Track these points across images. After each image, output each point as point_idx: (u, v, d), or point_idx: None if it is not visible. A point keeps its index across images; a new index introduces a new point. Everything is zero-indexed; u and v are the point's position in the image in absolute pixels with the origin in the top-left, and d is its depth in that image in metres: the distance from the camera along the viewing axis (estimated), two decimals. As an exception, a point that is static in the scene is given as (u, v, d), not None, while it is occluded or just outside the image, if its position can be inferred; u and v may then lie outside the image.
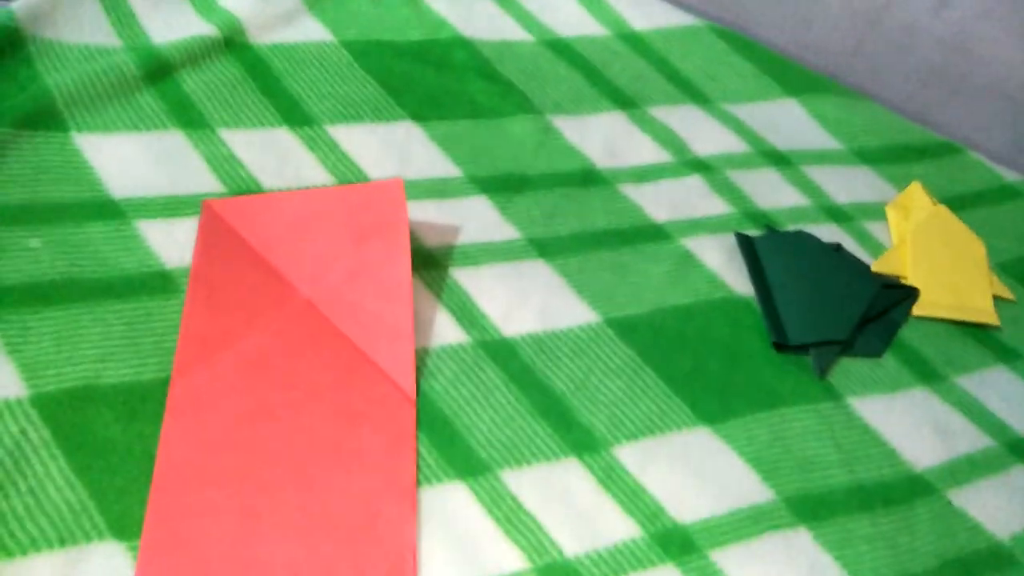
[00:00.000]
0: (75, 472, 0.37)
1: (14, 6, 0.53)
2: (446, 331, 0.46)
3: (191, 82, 0.54)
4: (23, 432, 0.37)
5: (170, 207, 0.47)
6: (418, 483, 0.40)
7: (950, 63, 0.71)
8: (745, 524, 0.43)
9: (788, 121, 0.67)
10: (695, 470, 0.44)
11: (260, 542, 0.36)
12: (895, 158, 0.68)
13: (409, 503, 0.39)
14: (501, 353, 0.46)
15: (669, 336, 0.50)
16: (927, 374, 0.53)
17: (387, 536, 0.37)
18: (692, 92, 0.66)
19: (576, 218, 0.55)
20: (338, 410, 0.41)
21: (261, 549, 0.36)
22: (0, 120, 0.48)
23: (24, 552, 0.34)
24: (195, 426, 0.39)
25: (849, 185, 0.64)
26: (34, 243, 0.44)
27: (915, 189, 0.63)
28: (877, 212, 0.62)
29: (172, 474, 0.37)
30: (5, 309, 0.41)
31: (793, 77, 0.71)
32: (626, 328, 0.49)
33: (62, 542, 0.35)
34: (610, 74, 0.65)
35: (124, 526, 0.36)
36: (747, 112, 0.66)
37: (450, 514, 0.40)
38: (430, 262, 0.49)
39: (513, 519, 0.40)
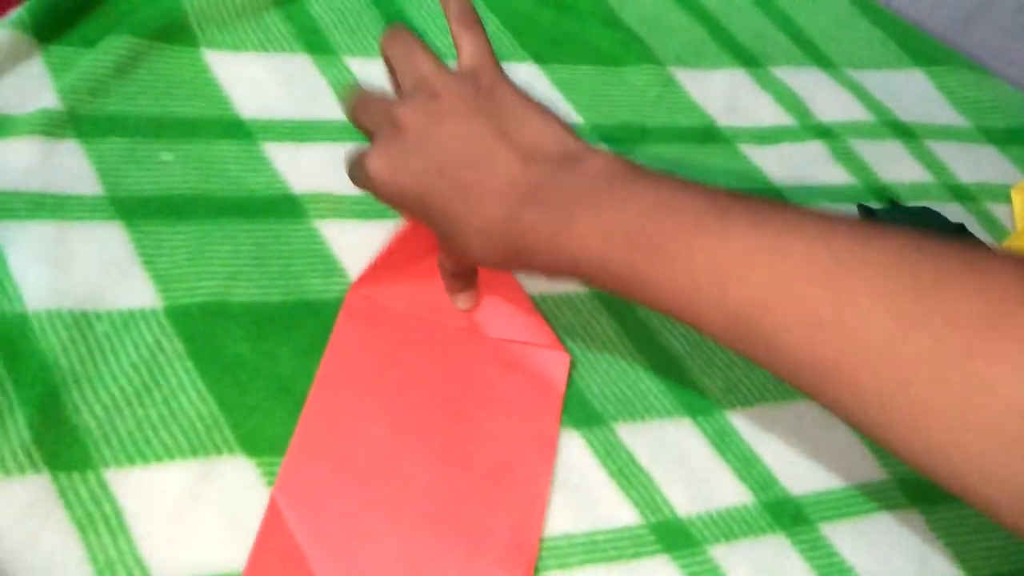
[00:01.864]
0: (207, 386, 0.37)
1: (145, -84, 0.52)
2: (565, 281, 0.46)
3: (318, 6, 0.53)
4: (157, 342, 0.38)
5: (297, 132, 0.47)
6: (535, 428, 0.40)
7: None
8: (857, 501, 0.42)
9: (913, 92, 0.64)
10: (809, 443, 0.43)
11: (404, 463, 0.37)
12: (1021, 139, 0.65)
13: (549, 454, 0.39)
14: (616, 306, 0.46)
15: (787, 304, 0.48)
16: (1046, 367, 0.51)
17: (522, 481, 0.38)
18: (816, 54, 0.64)
19: (696, 175, 0.53)
20: (492, 354, 0.41)
21: (403, 468, 0.37)
22: (135, 30, 0.47)
23: (159, 459, 0.35)
24: (352, 362, 0.39)
25: (974, 164, 0.61)
26: (167, 156, 0.44)
27: (1043, 174, 0.61)
28: (1002, 194, 0.60)
29: (327, 393, 0.38)
30: (141, 220, 0.41)
31: (920, 46, 0.68)
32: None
33: (194, 452, 0.36)
34: (733, 29, 0.63)
35: (254, 442, 0.36)
36: (872, 80, 0.64)
37: (564, 463, 0.39)
38: (548, 208, 0.49)
39: (627, 473, 0.40)
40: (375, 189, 0.37)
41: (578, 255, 0.33)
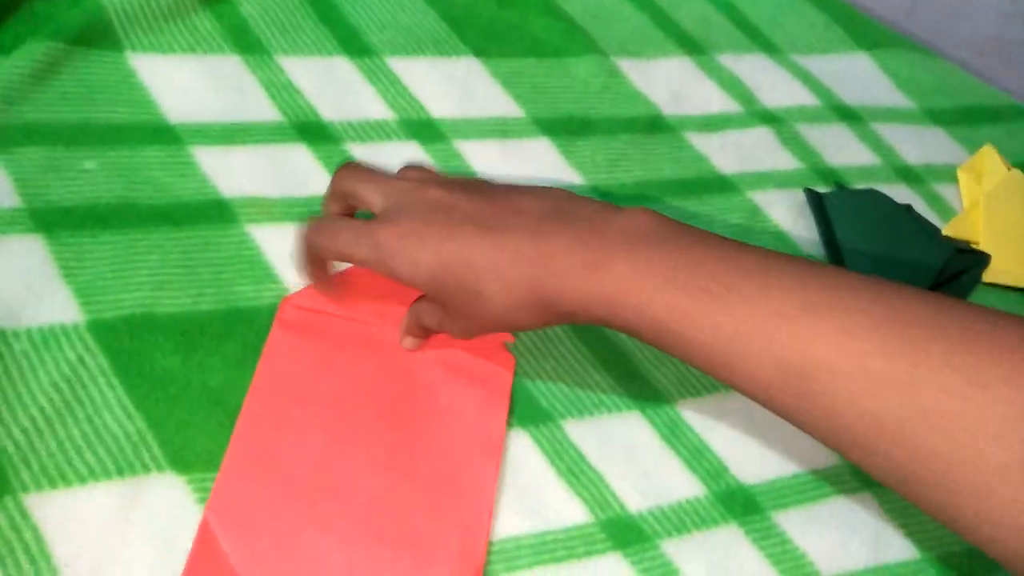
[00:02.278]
0: (133, 402, 0.36)
1: (65, -83, 0.50)
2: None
3: (248, 6, 0.52)
4: (80, 359, 0.36)
5: (227, 134, 0.45)
6: (480, 430, 0.39)
7: (1006, 32, 0.68)
8: (809, 487, 0.42)
9: (859, 76, 0.64)
10: (759, 431, 0.43)
11: (343, 475, 0.36)
12: (967, 119, 0.65)
13: (495, 458, 0.38)
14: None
15: (735, 292, 0.48)
16: (996, 344, 0.51)
17: (469, 487, 0.36)
18: (760, 40, 0.64)
19: (641, 166, 0.53)
20: (435, 359, 0.40)
21: (343, 481, 0.35)
22: (54, 35, 0.46)
23: (83, 481, 0.33)
24: (287, 371, 0.38)
25: (920, 145, 0.61)
26: (90, 165, 0.42)
27: (988, 152, 0.61)
28: (948, 174, 0.60)
29: (260, 405, 0.36)
30: (62, 231, 0.39)
31: (865, 30, 0.68)
32: (691, 282, 0.47)
33: (120, 472, 0.34)
34: (677, 16, 0.63)
35: (183, 458, 0.35)
36: (817, 64, 0.63)
37: (512, 462, 0.39)
38: (491, 204, 0.48)
39: (576, 470, 0.39)
40: (383, 261, 0.34)
41: (612, 295, 0.31)
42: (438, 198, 0.34)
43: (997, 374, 0.27)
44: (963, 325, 0.29)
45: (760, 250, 0.33)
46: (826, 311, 0.29)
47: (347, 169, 0.38)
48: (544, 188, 0.36)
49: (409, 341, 0.39)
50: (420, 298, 0.38)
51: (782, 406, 0.31)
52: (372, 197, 0.36)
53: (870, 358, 0.28)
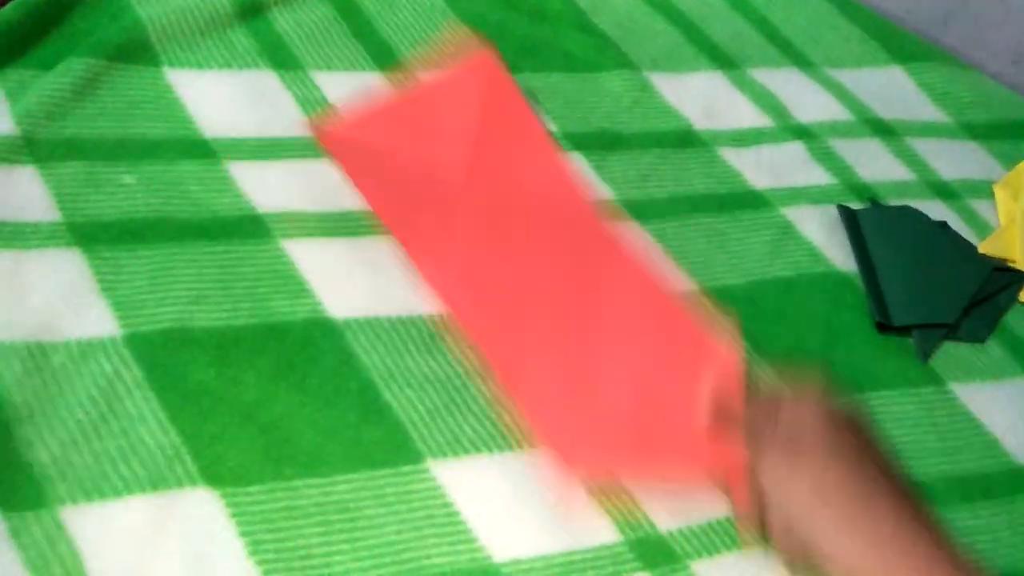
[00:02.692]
0: (168, 415, 0.36)
1: (105, -66, 0.51)
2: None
3: (283, 21, 0.52)
4: (116, 372, 0.37)
5: (262, 150, 0.46)
6: (510, 448, 0.39)
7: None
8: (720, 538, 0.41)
9: (893, 89, 0.63)
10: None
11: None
12: (1003, 134, 0.64)
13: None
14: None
15: (767, 310, 0.47)
16: (1034, 364, 0.50)
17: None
18: (793, 54, 0.63)
19: (672, 181, 0.52)
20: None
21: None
22: (93, 52, 0.46)
23: (117, 494, 0.34)
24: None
25: (956, 160, 0.60)
26: (128, 179, 0.43)
27: (1025, 168, 0.60)
28: (984, 190, 0.59)
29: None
30: (100, 245, 0.40)
31: (899, 43, 0.67)
32: (723, 299, 0.47)
33: (154, 486, 0.34)
34: (709, 31, 0.62)
35: (216, 473, 0.35)
36: (851, 78, 0.63)
37: (542, 482, 0.38)
38: (522, 219, 0.48)
39: (607, 490, 0.39)
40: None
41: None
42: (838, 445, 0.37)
43: None
44: None
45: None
46: None
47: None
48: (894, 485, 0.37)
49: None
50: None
51: None
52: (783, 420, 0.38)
53: None
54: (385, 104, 0.45)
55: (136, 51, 0.48)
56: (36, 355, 0.36)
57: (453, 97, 0.44)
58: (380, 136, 0.43)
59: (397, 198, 0.42)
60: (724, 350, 0.41)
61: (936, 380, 0.48)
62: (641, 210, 0.50)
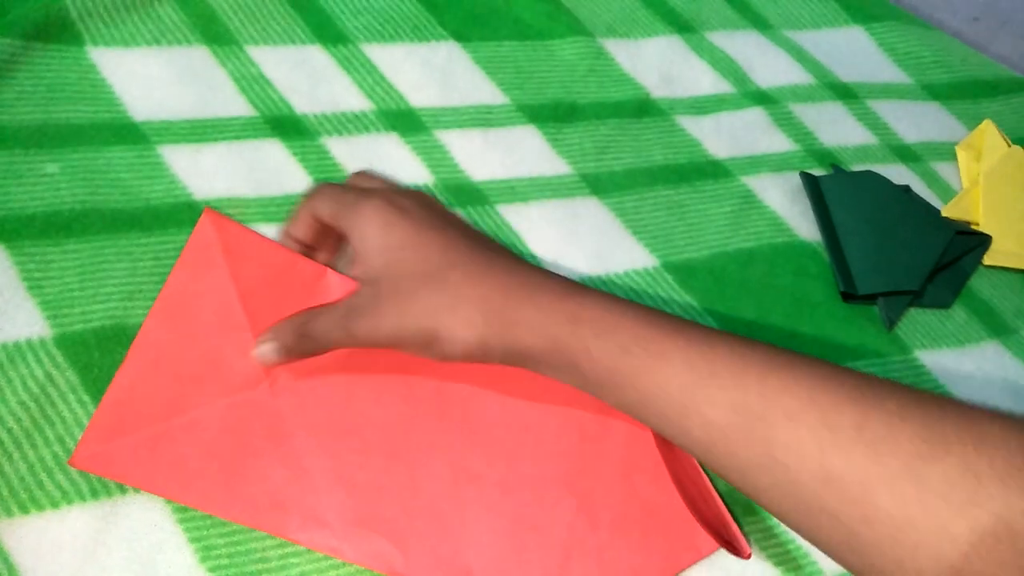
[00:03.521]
0: (105, 420, 0.34)
1: (19, -98, 0.48)
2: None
3: (215, -8, 0.49)
4: (48, 376, 0.34)
5: (196, 132, 0.43)
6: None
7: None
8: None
9: (854, 51, 0.62)
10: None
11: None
12: (965, 94, 0.63)
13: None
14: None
15: (730, 283, 0.46)
16: (998, 327, 0.50)
17: None
18: (752, 16, 0.61)
19: (631, 152, 0.51)
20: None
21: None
22: (9, 30, 0.43)
23: (56, 505, 0.32)
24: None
25: (918, 122, 0.59)
26: (51, 168, 0.40)
27: (987, 128, 0.59)
28: (947, 152, 0.58)
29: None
30: (25, 241, 0.37)
31: (859, 2, 0.65)
32: (685, 273, 0.46)
33: (95, 494, 0.33)
34: (664, -6, 0.60)
35: (159, 479, 0.33)
36: (811, 40, 0.61)
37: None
38: (476, 197, 0.46)
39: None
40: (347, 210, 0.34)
41: (579, 315, 0.32)
42: (425, 199, 0.36)
43: (960, 438, 0.27)
44: (922, 395, 0.29)
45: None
46: (791, 367, 0.30)
47: (324, 185, 0.36)
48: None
49: (270, 348, 0.34)
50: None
51: (733, 455, 0.30)
52: (360, 183, 0.37)
53: (839, 416, 0.28)
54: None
55: (56, 29, 0.45)
56: (-44, 363, 0.34)
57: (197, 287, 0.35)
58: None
59: (216, 476, 0.33)
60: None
61: (903, 348, 0.47)
62: (598, 184, 0.49)
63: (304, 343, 0.33)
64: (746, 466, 0.29)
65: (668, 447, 0.37)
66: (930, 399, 0.29)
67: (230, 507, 0.33)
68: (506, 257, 0.34)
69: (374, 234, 0.33)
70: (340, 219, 0.34)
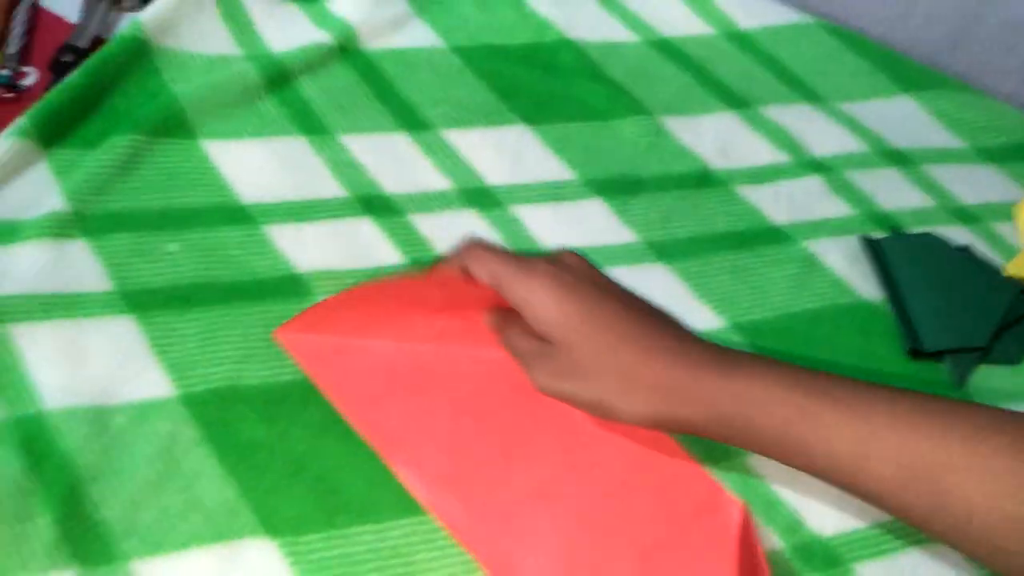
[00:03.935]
0: (224, 470, 0.37)
1: (140, 17, 0.54)
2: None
3: (309, 88, 0.55)
4: (174, 431, 0.38)
5: (297, 212, 0.48)
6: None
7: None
8: (888, 539, 0.41)
9: (905, 119, 0.65)
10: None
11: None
12: (1020, 156, 0.65)
13: None
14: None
15: (798, 342, 0.48)
16: (1069, 382, 0.50)
17: None
18: (804, 90, 0.65)
19: (693, 220, 0.54)
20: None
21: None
22: (134, 128, 0.49)
23: (183, 547, 0.35)
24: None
25: (974, 184, 0.61)
26: (172, 247, 0.45)
27: (1044, 188, 0.60)
28: (1005, 213, 0.60)
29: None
30: (151, 311, 0.42)
31: (908, 73, 0.68)
32: (752, 333, 0.48)
33: (217, 538, 0.36)
34: (719, 73, 0.64)
35: (273, 524, 0.36)
36: (862, 110, 0.64)
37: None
38: (551, 265, 0.49)
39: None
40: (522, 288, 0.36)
41: (742, 394, 0.34)
42: (598, 277, 0.38)
43: None
44: None
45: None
46: (946, 416, 0.32)
47: (480, 250, 0.38)
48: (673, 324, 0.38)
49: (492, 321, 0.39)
50: (518, 321, 0.37)
51: (908, 507, 0.33)
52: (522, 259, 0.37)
53: (998, 462, 0.31)
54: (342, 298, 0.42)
55: (173, 125, 0.50)
56: (98, 419, 0.38)
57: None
58: (340, 325, 0.41)
59: (363, 394, 0.40)
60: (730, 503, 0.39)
61: (971, 402, 0.48)
62: (664, 251, 0.51)
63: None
64: (921, 514, 0.32)
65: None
66: None
67: (363, 422, 0.39)
68: (665, 325, 0.37)
69: (548, 310, 0.35)
70: (507, 288, 0.36)
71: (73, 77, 0.50)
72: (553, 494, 0.38)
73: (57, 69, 0.54)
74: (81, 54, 0.54)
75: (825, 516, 0.41)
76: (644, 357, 0.35)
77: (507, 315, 0.38)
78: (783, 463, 0.35)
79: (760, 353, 0.37)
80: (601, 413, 0.36)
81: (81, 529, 0.35)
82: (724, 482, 0.42)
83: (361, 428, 0.39)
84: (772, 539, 0.40)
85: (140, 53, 0.54)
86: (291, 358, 0.41)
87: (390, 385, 0.40)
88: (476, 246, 0.38)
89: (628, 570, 0.36)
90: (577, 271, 0.37)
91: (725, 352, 0.36)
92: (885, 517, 0.42)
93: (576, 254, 0.39)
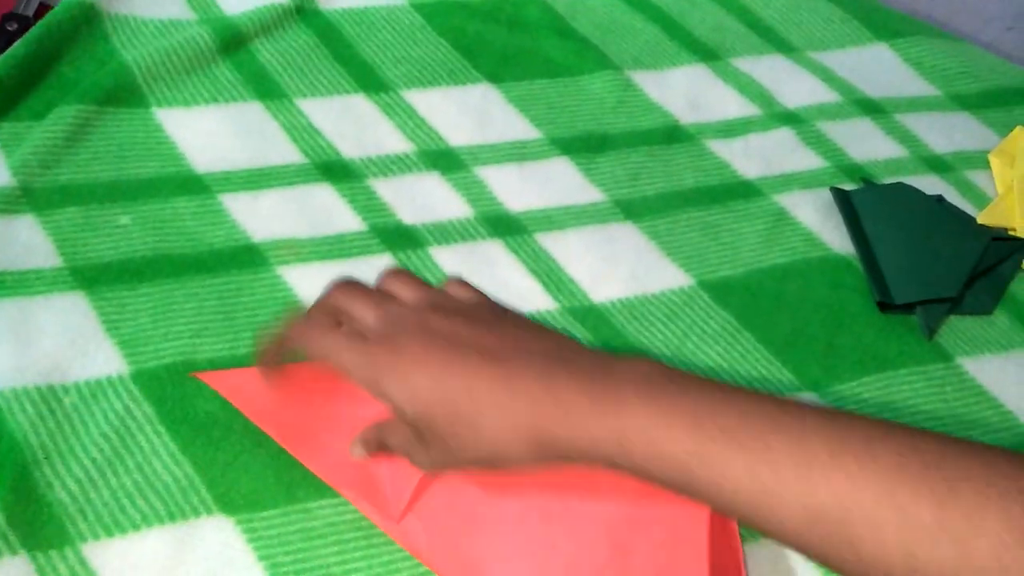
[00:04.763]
0: (179, 447, 0.37)
1: (87, -18, 0.52)
2: (534, 298, 0.45)
3: (265, 52, 0.53)
4: (127, 409, 0.37)
5: (252, 180, 0.47)
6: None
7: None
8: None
9: (879, 67, 0.64)
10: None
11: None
12: (996, 102, 0.64)
13: None
14: (591, 319, 0.45)
15: (767, 298, 0.48)
16: (1041, 331, 0.50)
17: None
18: (776, 41, 0.63)
19: (662, 177, 0.53)
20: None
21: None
22: (83, 97, 0.47)
23: (136, 528, 0.35)
24: None
25: (948, 133, 0.60)
26: (124, 220, 0.44)
27: (1020, 134, 0.59)
28: (979, 160, 0.59)
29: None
30: (102, 287, 0.41)
31: (882, 20, 0.67)
32: (721, 291, 0.47)
33: (172, 517, 0.35)
34: (688, 25, 0.63)
35: (230, 500, 0.36)
36: (835, 59, 0.63)
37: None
38: (515, 227, 0.48)
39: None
40: (374, 378, 0.32)
41: (624, 435, 0.30)
42: (439, 327, 0.32)
43: None
44: (1007, 473, 0.28)
45: (775, 398, 0.31)
46: (857, 457, 0.29)
47: (342, 286, 0.35)
48: (544, 328, 0.34)
49: (359, 451, 0.36)
50: (387, 420, 0.34)
51: (818, 553, 0.30)
52: (367, 316, 0.33)
53: (919, 511, 0.27)
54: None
55: (124, 94, 0.49)
56: (48, 398, 0.37)
57: None
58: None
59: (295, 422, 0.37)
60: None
61: (944, 356, 0.48)
62: (632, 209, 0.50)
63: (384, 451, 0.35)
64: (834, 562, 0.29)
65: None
66: (1015, 471, 0.28)
67: (301, 451, 0.37)
68: (541, 364, 0.32)
69: (400, 395, 0.32)
70: (367, 385, 0.33)
71: (17, 46, 0.49)
72: (513, 493, 0.35)
73: (1, 38, 0.52)
74: (26, 22, 0.52)
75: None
76: (510, 418, 0.31)
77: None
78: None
79: (647, 358, 0.32)
80: (497, 467, 0.32)
81: (31, 512, 0.34)
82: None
83: (300, 456, 0.36)
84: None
85: (88, 19, 0.52)
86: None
87: (320, 405, 0.37)
88: (313, 327, 0.34)
89: (601, 555, 0.35)
90: (416, 330, 0.33)
91: (607, 371, 0.31)
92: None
93: (402, 276, 0.35)
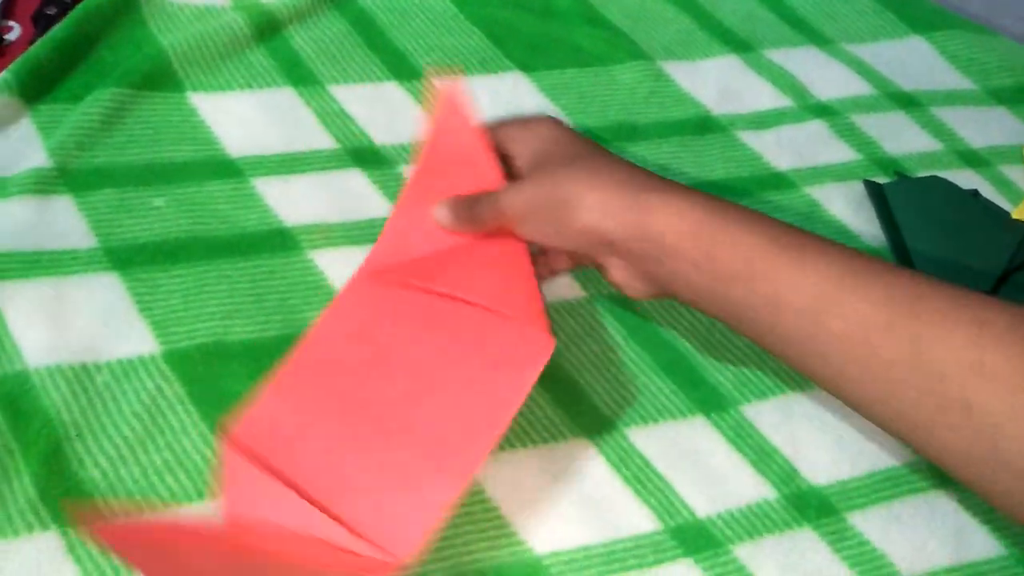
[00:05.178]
0: (209, 427, 0.37)
1: (125, -33, 0.53)
2: (562, 287, 0.45)
3: (299, 39, 0.53)
4: (158, 388, 0.38)
5: (285, 164, 0.47)
6: (544, 441, 0.39)
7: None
8: (884, 487, 0.41)
9: (915, 60, 0.63)
10: (829, 432, 0.42)
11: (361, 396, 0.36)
12: (1033, 97, 0.63)
13: (490, 435, 0.34)
14: (619, 308, 0.45)
15: (796, 290, 0.47)
16: (1078, 329, 0.49)
17: (443, 466, 0.34)
18: (809, 32, 0.63)
19: (693, 168, 0.52)
20: (469, 321, 0.37)
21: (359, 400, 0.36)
22: (120, 81, 0.48)
23: (166, 505, 0.35)
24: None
25: (984, 127, 0.59)
26: (158, 202, 0.44)
27: (1058, 130, 0.58)
28: (1015, 155, 0.58)
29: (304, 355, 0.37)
30: (136, 268, 0.41)
31: (918, 12, 0.66)
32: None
33: (200, 495, 0.36)
34: (720, 15, 0.62)
35: (260, 480, 0.36)
36: (870, 52, 0.62)
37: (578, 473, 0.39)
38: (544, 216, 0.48)
39: (642, 478, 0.39)
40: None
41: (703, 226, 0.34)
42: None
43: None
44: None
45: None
46: (936, 280, 0.31)
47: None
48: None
49: (445, 214, 0.39)
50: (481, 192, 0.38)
51: (873, 354, 0.31)
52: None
53: (992, 314, 0.30)
54: None
55: (160, 78, 0.49)
56: (81, 377, 0.37)
57: None
58: None
59: None
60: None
61: (975, 350, 0.47)
62: (663, 199, 0.50)
63: (468, 219, 0.38)
64: (888, 363, 0.30)
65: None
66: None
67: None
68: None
69: (529, 144, 0.38)
70: (505, 141, 0.39)
71: (57, 30, 0.49)
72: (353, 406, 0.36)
73: (41, 22, 0.52)
74: (65, 6, 0.53)
75: (818, 465, 0.41)
76: (615, 166, 0.36)
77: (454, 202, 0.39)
78: (739, 299, 0.33)
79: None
80: (555, 214, 0.35)
81: (63, 488, 0.34)
82: (716, 432, 0.41)
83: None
84: (766, 489, 0.40)
85: (126, 4, 0.52)
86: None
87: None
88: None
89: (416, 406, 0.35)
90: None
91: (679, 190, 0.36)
92: (879, 465, 0.41)
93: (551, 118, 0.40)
